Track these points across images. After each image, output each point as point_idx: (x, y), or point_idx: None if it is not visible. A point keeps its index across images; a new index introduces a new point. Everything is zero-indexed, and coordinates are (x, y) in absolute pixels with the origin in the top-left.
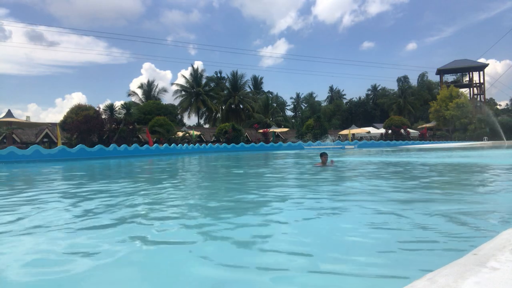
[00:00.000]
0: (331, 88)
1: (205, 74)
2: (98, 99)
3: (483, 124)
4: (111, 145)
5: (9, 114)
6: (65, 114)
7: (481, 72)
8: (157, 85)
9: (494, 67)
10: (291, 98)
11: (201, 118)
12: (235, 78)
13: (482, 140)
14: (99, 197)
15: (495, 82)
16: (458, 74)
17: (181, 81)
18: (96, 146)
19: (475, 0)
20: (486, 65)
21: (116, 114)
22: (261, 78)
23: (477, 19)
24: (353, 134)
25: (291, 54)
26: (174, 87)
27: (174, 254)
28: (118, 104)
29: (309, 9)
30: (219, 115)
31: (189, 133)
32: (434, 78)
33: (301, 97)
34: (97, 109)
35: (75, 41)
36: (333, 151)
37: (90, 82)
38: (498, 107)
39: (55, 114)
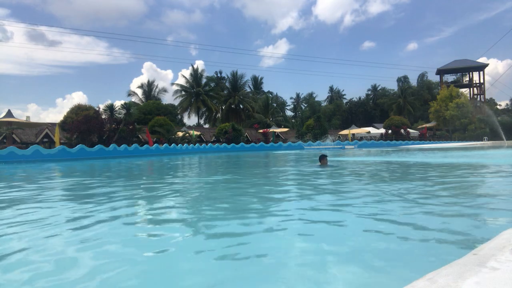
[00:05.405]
0: (331, 88)
1: (205, 74)
2: (98, 99)
3: (483, 124)
4: (111, 145)
5: (9, 114)
6: (65, 114)
7: (481, 72)
8: (157, 85)
9: (496, 66)
10: (291, 98)
11: (201, 118)
12: (235, 78)
13: (482, 140)
14: (98, 197)
15: (495, 82)
16: (458, 74)
17: (181, 81)
18: (96, 146)
19: (475, 0)
20: (486, 65)
21: (116, 114)
22: (261, 78)
23: (477, 19)
24: (353, 134)
25: (292, 54)
26: (174, 87)
27: (172, 256)
28: (118, 104)
29: (310, 9)
30: (219, 115)
31: (189, 133)
32: (434, 78)
33: (301, 97)
34: (97, 109)
35: (75, 41)
36: (333, 151)
37: (91, 82)
38: (498, 107)
39: (55, 114)
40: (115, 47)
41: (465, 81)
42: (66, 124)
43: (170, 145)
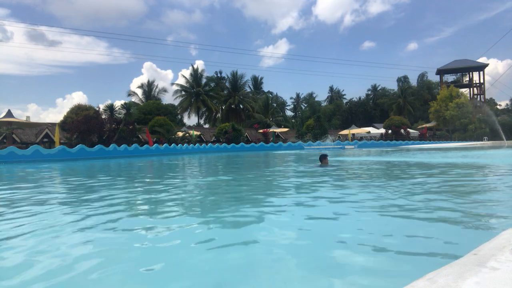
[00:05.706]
0: (331, 88)
1: (205, 74)
2: (98, 99)
3: (483, 124)
4: (111, 145)
5: (9, 114)
6: (65, 114)
7: (481, 72)
8: (157, 85)
9: (496, 66)
10: (291, 98)
11: (201, 118)
12: (235, 78)
13: (482, 140)
14: (96, 197)
15: (495, 82)
16: (458, 74)
17: (181, 81)
18: (96, 146)
19: (475, 0)
20: (486, 65)
21: (116, 114)
22: (261, 78)
23: (477, 19)
24: (353, 134)
25: (292, 54)
26: (174, 87)
27: (171, 254)
28: (118, 104)
29: (310, 9)
30: (219, 115)
31: (189, 133)
32: (434, 78)
33: (301, 97)
34: (97, 109)
35: (75, 41)
36: (333, 151)
37: (91, 82)
38: (498, 107)
39: (55, 114)
40: (115, 47)
41: (465, 81)
42: (66, 124)
43: (170, 145)
